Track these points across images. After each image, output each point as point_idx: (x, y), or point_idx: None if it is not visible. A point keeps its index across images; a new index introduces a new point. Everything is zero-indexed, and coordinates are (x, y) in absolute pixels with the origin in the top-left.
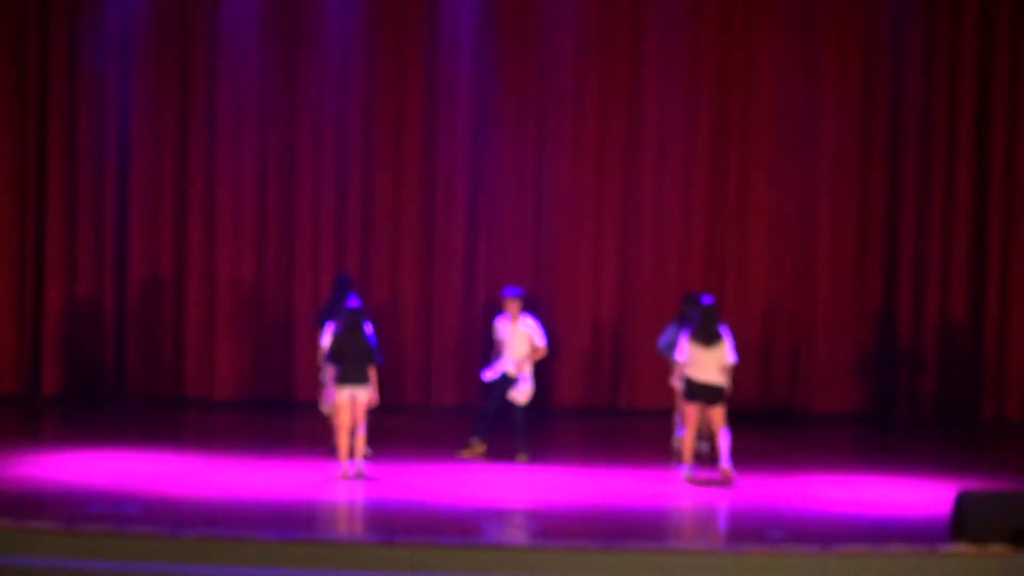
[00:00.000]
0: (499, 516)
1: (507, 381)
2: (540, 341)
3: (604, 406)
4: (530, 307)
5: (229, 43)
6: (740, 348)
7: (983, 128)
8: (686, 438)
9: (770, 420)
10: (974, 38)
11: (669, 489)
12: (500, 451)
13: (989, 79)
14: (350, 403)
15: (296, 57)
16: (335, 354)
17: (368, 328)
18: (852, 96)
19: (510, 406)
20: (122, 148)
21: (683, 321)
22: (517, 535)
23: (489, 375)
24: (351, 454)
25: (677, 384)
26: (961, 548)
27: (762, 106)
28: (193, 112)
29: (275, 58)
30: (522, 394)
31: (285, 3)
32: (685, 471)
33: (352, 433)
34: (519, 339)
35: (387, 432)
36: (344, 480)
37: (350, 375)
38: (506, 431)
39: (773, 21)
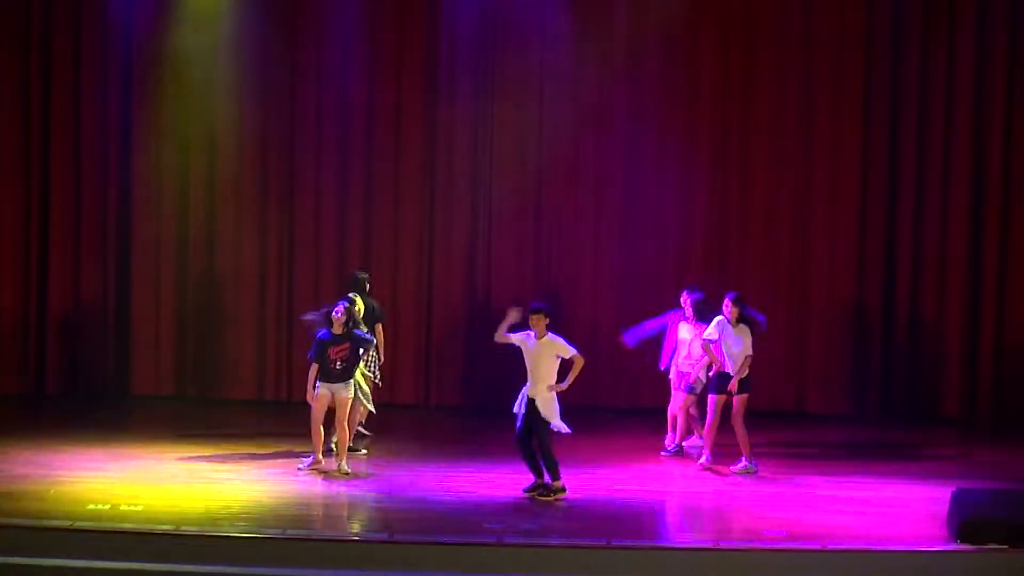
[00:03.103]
0: (498, 513)
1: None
2: (573, 351)
3: (605, 405)
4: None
5: (231, 45)
6: None
7: (981, 127)
8: (709, 428)
9: (768, 419)
10: (972, 36)
11: (669, 486)
12: (496, 448)
13: (985, 77)
14: (328, 398)
15: (297, 52)
16: (319, 353)
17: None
18: (851, 95)
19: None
20: (125, 148)
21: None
22: (517, 533)
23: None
24: (335, 451)
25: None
26: (958, 547)
27: (761, 107)
28: (195, 113)
29: (277, 55)
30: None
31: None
32: (706, 460)
33: (326, 427)
34: (549, 360)
35: (385, 430)
36: (319, 473)
37: (332, 374)
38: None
39: (772, 21)
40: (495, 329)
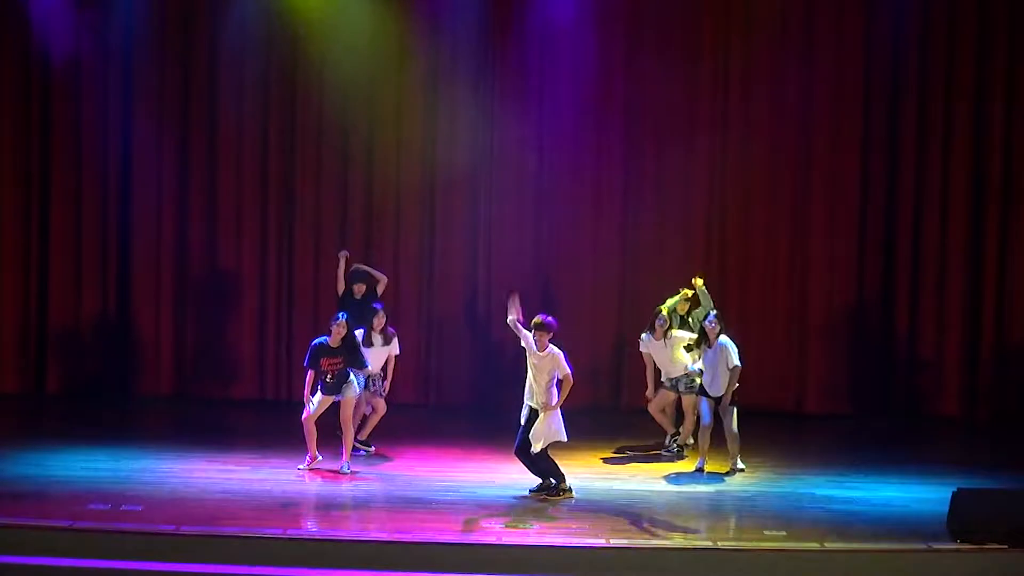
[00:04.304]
0: (498, 513)
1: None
2: (565, 369)
3: (606, 406)
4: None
5: (231, 49)
6: (741, 348)
7: (981, 127)
8: (703, 432)
9: (768, 419)
10: (972, 32)
11: (669, 486)
12: (497, 448)
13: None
14: (327, 403)
15: (297, 51)
16: (313, 361)
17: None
18: (851, 96)
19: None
20: (125, 152)
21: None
22: (517, 533)
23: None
24: (317, 450)
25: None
26: (957, 546)
27: (761, 107)
28: (195, 117)
29: (277, 59)
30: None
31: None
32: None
33: (313, 429)
34: (545, 373)
35: (385, 430)
36: (319, 472)
37: (324, 384)
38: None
39: (773, 21)
40: (495, 328)
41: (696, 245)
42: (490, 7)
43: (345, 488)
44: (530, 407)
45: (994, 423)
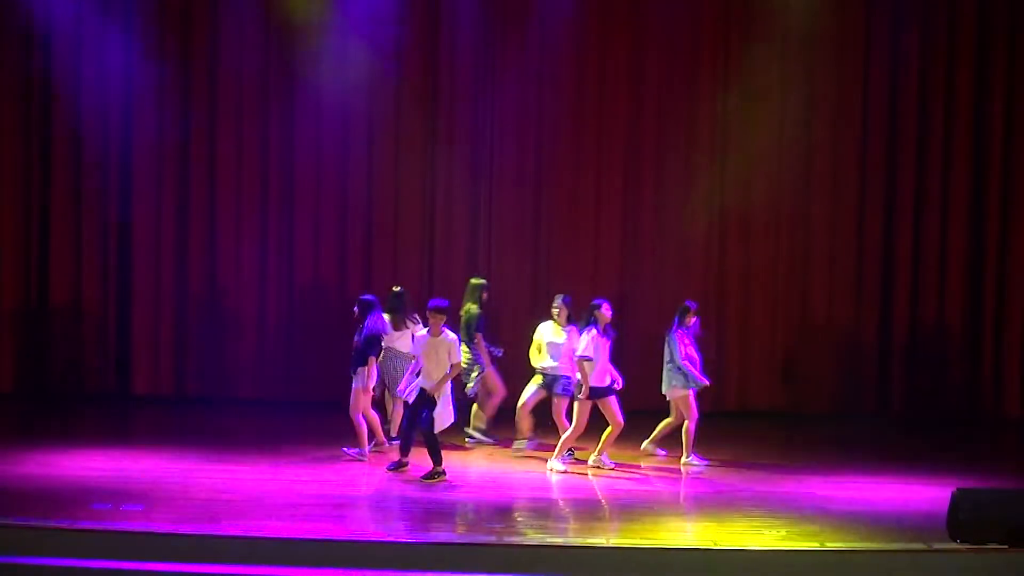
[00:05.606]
0: (497, 513)
1: (423, 400)
2: (456, 357)
3: None
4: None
5: (230, 50)
6: (741, 348)
7: (980, 130)
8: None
9: (768, 419)
10: (972, 41)
11: (668, 487)
12: (495, 448)
13: (987, 81)
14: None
15: (296, 54)
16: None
17: (369, 323)
18: (850, 99)
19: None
20: (125, 148)
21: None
22: (517, 533)
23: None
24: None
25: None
26: (957, 546)
27: (762, 108)
28: (194, 121)
29: (276, 60)
30: (445, 418)
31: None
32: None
33: (362, 420)
34: (438, 356)
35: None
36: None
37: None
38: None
39: (773, 22)
40: (495, 328)
41: (696, 246)
42: (490, 10)
43: (345, 489)
44: (422, 388)
45: (994, 423)
